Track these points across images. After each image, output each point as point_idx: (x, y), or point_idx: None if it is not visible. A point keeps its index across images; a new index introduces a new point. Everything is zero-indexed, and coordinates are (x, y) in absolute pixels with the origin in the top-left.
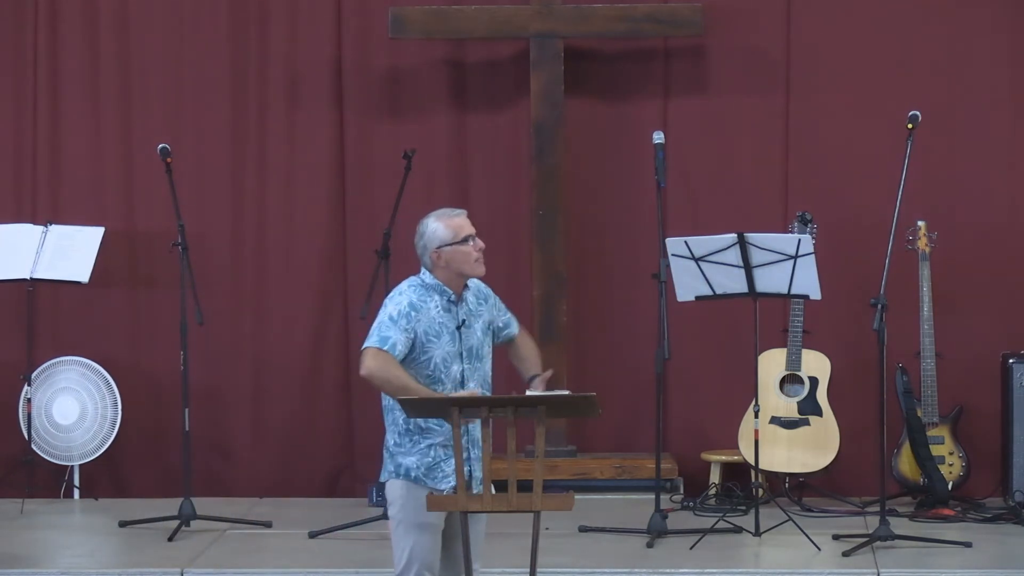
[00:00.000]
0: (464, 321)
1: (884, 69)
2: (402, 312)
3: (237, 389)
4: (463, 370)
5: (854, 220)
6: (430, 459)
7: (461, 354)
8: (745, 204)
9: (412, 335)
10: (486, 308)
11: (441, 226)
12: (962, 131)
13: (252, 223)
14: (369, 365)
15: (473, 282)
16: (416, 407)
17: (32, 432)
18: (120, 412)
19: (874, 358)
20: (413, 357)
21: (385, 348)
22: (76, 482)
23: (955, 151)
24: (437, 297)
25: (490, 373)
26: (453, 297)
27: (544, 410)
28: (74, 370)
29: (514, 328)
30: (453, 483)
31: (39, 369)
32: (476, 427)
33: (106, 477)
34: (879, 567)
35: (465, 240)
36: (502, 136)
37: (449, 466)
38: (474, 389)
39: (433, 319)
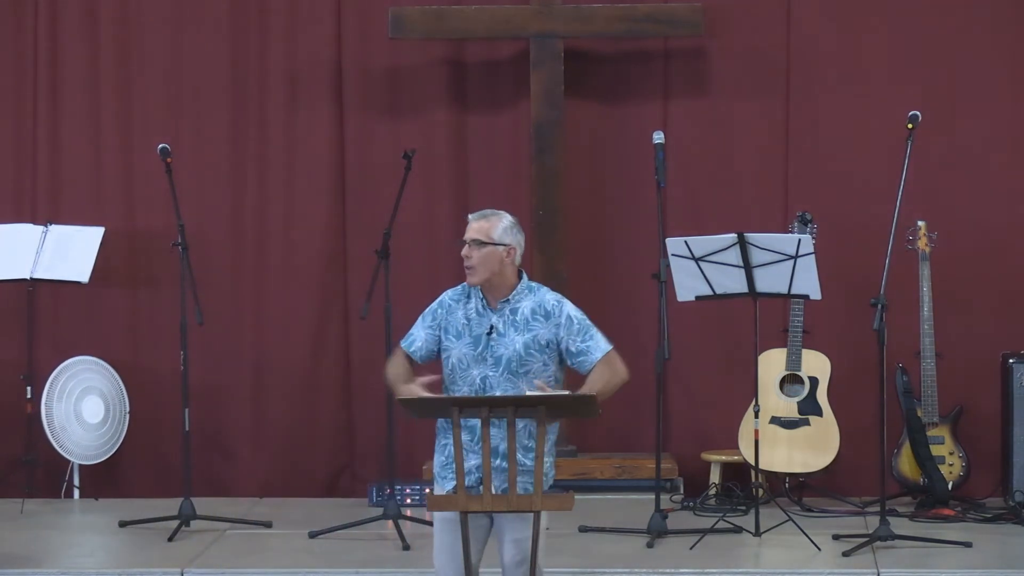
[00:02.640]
0: (493, 327)
1: (884, 69)
2: (431, 309)
3: (237, 389)
4: (486, 376)
5: (854, 220)
6: (444, 457)
7: (486, 360)
8: (745, 204)
9: (438, 332)
10: (545, 325)
11: None
12: (962, 131)
13: (252, 223)
14: (387, 365)
15: (542, 298)
16: (416, 407)
17: (56, 432)
18: (129, 411)
19: (874, 358)
20: (442, 354)
21: (404, 345)
22: (76, 482)
23: (955, 151)
24: (474, 301)
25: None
26: (485, 303)
27: (544, 410)
28: (94, 370)
29: (595, 356)
30: (465, 482)
31: (59, 369)
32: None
33: (106, 477)
34: (879, 567)
35: (461, 243)
36: (502, 136)
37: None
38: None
39: (458, 319)
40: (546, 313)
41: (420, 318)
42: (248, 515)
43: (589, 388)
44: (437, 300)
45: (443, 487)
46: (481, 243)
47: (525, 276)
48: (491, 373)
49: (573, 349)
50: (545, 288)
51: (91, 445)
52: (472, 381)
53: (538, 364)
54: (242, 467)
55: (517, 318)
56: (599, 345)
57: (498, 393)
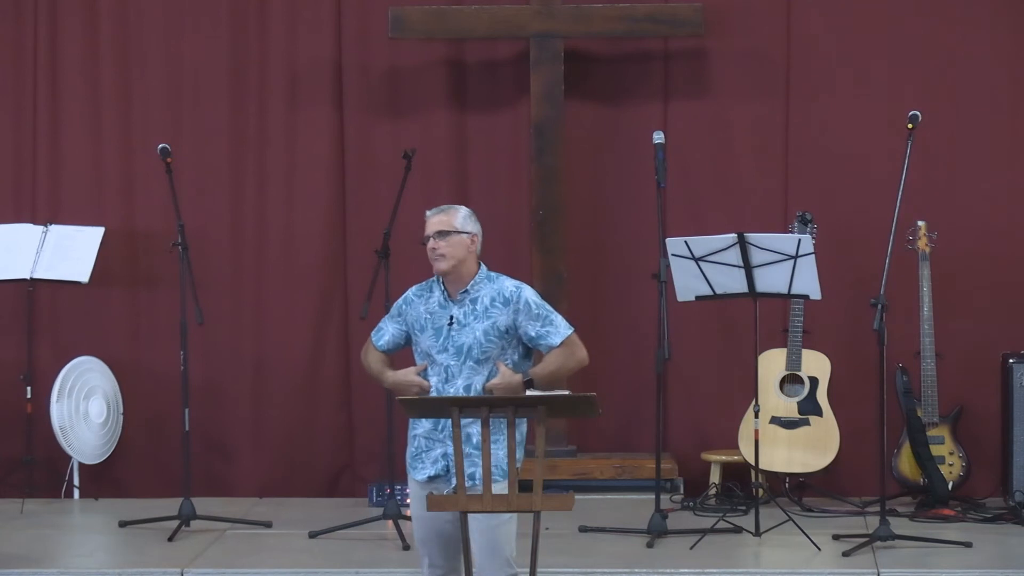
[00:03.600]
0: (453, 318)
1: (884, 70)
2: (397, 304)
3: (237, 389)
4: (449, 366)
5: (854, 220)
6: (413, 449)
7: (448, 349)
8: (745, 204)
9: (405, 327)
10: (504, 312)
11: None
12: (962, 131)
13: (252, 223)
14: (360, 355)
15: (501, 285)
16: (416, 407)
17: (67, 432)
18: (122, 412)
19: (874, 358)
20: (414, 346)
21: (373, 338)
22: (76, 482)
23: (955, 151)
24: (438, 294)
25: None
26: (445, 295)
27: (544, 410)
28: (97, 370)
29: (553, 341)
30: (428, 474)
31: (67, 368)
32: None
33: (106, 477)
34: (879, 567)
35: (424, 240)
36: (502, 136)
37: (429, 457)
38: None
39: (420, 313)
40: (504, 300)
41: (388, 313)
42: (248, 515)
43: (543, 367)
44: (403, 296)
45: (413, 477)
46: (446, 233)
47: (484, 266)
48: (452, 363)
49: (532, 333)
50: (505, 276)
51: (96, 445)
52: (439, 371)
53: (497, 350)
54: (242, 467)
55: (477, 307)
56: (558, 330)
57: (459, 381)
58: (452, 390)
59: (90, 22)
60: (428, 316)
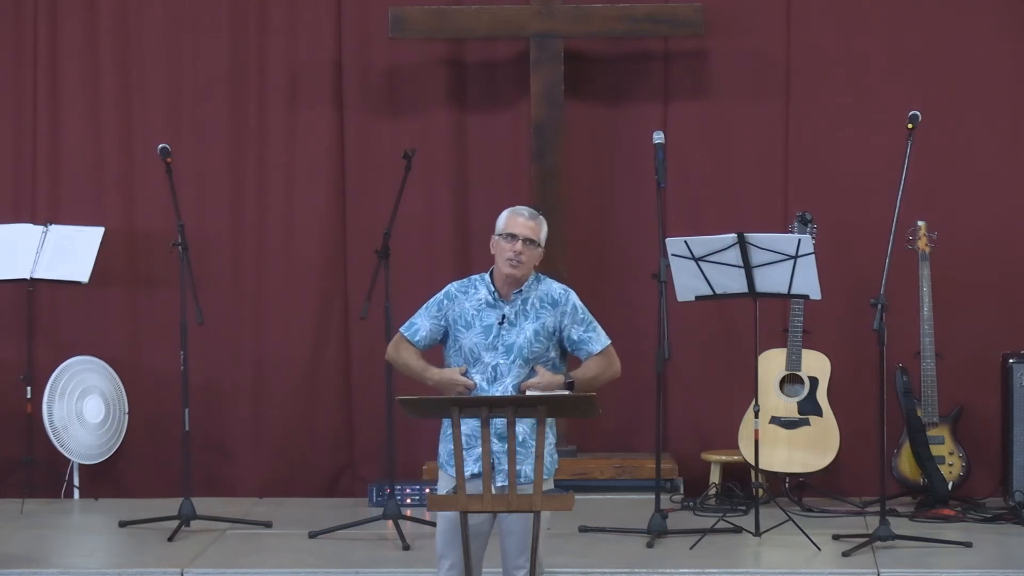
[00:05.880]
0: (505, 317)
1: (884, 70)
2: (436, 300)
3: (237, 389)
4: (497, 364)
5: (854, 220)
6: (452, 446)
7: (496, 348)
8: (745, 204)
9: (443, 322)
10: (551, 314)
11: (503, 217)
12: (962, 131)
13: (252, 223)
14: (388, 349)
15: (549, 287)
16: (416, 407)
17: (59, 432)
18: (127, 411)
19: (874, 358)
20: (450, 344)
21: (407, 333)
22: (76, 482)
23: (955, 151)
24: (484, 292)
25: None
26: (496, 295)
27: (544, 410)
28: (94, 370)
29: (593, 348)
30: (473, 471)
31: (60, 368)
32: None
33: (106, 477)
34: (879, 567)
35: (507, 236)
36: (502, 136)
37: (471, 455)
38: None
39: (466, 310)
40: (553, 301)
41: (424, 307)
42: (248, 515)
43: (583, 371)
44: (443, 291)
45: (452, 474)
46: (535, 244)
47: (533, 269)
48: (502, 361)
49: (575, 337)
50: (550, 279)
51: (92, 444)
52: (484, 369)
53: (543, 349)
54: (242, 467)
55: (527, 307)
56: (600, 338)
57: (508, 380)
58: (500, 389)
59: (90, 22)
60: (475, 313)
